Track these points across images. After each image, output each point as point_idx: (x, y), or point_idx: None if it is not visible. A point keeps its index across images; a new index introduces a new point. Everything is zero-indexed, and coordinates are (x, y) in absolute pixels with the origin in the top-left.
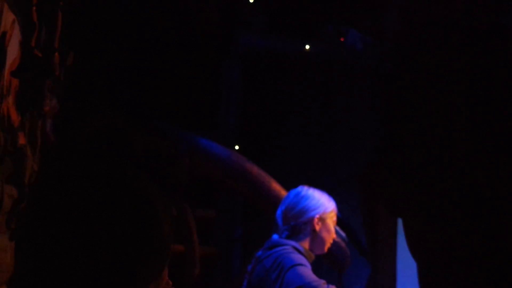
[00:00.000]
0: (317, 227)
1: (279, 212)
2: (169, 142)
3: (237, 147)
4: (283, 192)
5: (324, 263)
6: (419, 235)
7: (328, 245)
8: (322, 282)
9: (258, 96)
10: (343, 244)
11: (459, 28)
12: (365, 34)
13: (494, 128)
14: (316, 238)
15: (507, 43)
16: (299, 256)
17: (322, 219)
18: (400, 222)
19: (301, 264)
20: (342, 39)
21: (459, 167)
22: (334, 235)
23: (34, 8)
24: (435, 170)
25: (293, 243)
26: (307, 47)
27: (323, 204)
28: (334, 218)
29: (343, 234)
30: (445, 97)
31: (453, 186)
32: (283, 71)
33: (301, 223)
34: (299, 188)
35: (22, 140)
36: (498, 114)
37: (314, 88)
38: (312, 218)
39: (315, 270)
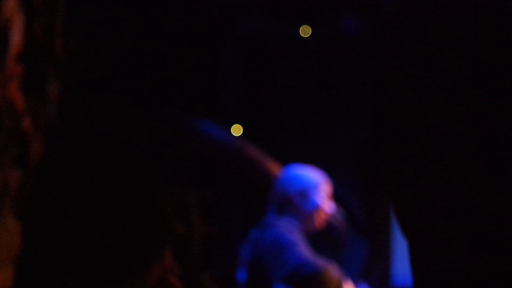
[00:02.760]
0: (310, 205)
1: (272, 191)
2: (171, 126)
3: (239, 128)
4: None
5: (321, 242)
6: (410, 213)
7: (322, 222)
8: (320, 260)
9: (258, 79)
10: (340, 223)
11: (459, 10)
12: (363, 18)
13: (493, 110)
14: (309, 216)
15: (509, 26)
16: (295, 235)
17: (315, 197)
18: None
19: (298, 243)
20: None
21: (453, 148)
22: (328, 213)
23: None
24: (429, 150)
25: (287, 221)
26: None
27: (316, 182)
28: (328, 196)
29: (340, 213)
30: (443, 80)
31: (447, 166)
32: (283, 55)
33: (294, 202)
34: (292, 167)
35: (27, 124)
36: (499, 98)
37: (313, 72)
38: (305, 197)
39: (314, 248)
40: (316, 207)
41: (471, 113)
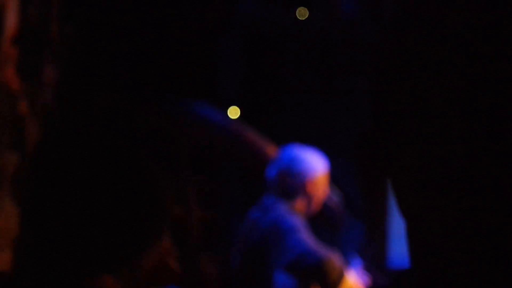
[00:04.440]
0: (310, 189)
1: (271, 173)
2: (168, 109)
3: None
4: None
5: (319, 224)
6: (409, 195)
7: (320, 206)
8: (323, 248)
9: (256, 62)
10: (337, 206)
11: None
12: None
13: (493, 95)
14: (308, 199)
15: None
16: (295, 219)
17: (315, 182)
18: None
19: (300, 228)
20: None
21: (453, 130)
22: (326, 196)
23: None
24: (428, 132)
25: (286, 204)
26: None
27: (315, 165)
28: (327, 180)
29: (337, 195)
30: (443, 66)
31: (447, 147)
32: (282, 39)
33: (294, 186)
34: (291, 149)
35: (23, 108)
36: (499, 83)
37: (313, 56)
38: (304, 180)
39: (313, 233)
40: (323, 195)
41: (468, 94)
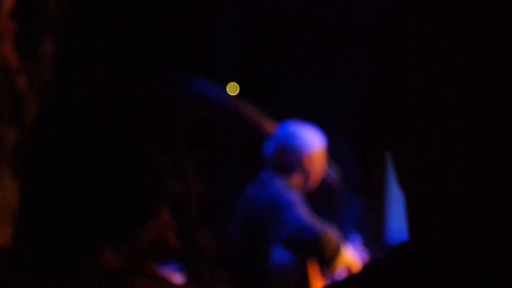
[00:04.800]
0: (307, 165)
1: (269, 149)
2: (166, 85)
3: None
4: None
5: (317, 199)
6: (409, 166)
7: (318, 182)
8: (320, 223)
9: (254, 37)
10: (335, 181)
11: None
12: None
13: (493, 74)
14: (306, 176)
15: None
16: (292, 194)
17: (312, 158)
18: (388, 159)
19: (297, 204)
20: None
21: (454, 100)
22: (324, 172)
23: None
24: (429, 102)
25: (284, 180)
26: None
27: (313, 142)
28: (324, 156)
29: (335, 171)
30: (445, 35)
31: (448, 118)
32: (280, 14)
33: (291, 162)
34: (289, 125)
35: (21, 83)
36: (499, 63)
37: (312, 29)
38: (301, 156)
39: (311, 209)
40: (320, 171)
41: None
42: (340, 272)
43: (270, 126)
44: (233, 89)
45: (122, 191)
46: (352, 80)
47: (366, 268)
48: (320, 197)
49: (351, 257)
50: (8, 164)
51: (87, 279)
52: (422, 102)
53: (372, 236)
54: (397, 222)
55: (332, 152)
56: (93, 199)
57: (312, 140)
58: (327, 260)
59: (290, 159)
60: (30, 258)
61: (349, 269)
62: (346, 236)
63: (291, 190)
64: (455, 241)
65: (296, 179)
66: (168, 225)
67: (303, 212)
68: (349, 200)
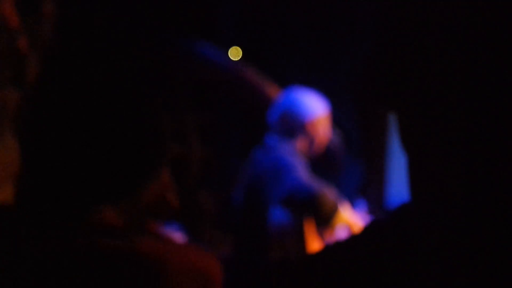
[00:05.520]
0: (310, 130)
1: (273, 114)
2: (169, 48)
3: (238, 51)
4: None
5: (319, 164)
6: (412, 127)
7: (322, 147)
8: (318, 183)
9: (257, 0)
10: (337, 146)
11: None
12: None
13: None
14: (310, 141)
15: None
16: (294, 158)
17: (315, 123)
18: (392, 121)
19: (298, 166)
20: None
21: (459, 59)
22: (328, 137)
23: None
24: (433, 62)
25: (288, 145)
26: None
27: (317, 108)
28: (328, 121)
29: (337, 136)
30: (446, 4)
31: (452, 77)
32: None
33: (295, 127)
34: (292, 91)
35: (22, 43)
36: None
37: None
38: (304, 121)
39: (311, 171)
40: (324, 136)
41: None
42: (340, 233)
43: (273, 91)
44: (235, 53)
45: (123, 150)
46: (356, 42)
47: (366, 228)
48: (322, 162)
49: (349, 217)
50: (9, 124)
51: (88, 236)
52: (426, 62)
53: (374, 201)
54: (398, 188)
55: (334, 117)
56: (94, 157)
57: (315, 106)
58: (324, 218)
59: (293, 124)
60: (31, 215)
61: (349, 230)
62: (350, 201)
63: (294, 155)
64: (456, 201)
65: (300, 144)
66: (168, 185)
67: (303, 174)
68: (351, 165)
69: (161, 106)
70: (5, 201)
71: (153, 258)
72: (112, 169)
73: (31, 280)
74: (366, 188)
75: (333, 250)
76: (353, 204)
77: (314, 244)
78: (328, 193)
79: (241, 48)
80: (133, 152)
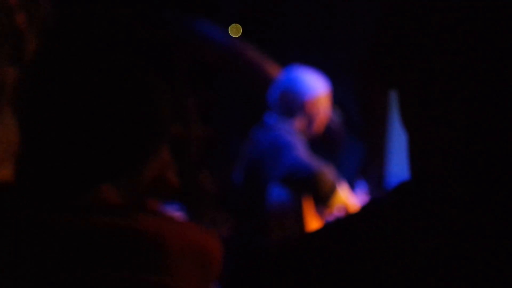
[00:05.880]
0: (311, 110)
1: (273, 93)
2: (169, 26)
3: (238, 29)
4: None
5: (319, 144)
6: (413, 103)
7: (322, 126)
8: (317, 162)
9: None
10: (337, 125)
11: None
12: None
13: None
14: (309, 120)
15: None
16: (294, 138)
17: (315, 102)
18: (393, 98)
19: (297, 145)
20: None
21: (460, 37)
22: (328, 117)
23: None
24: (435, 40)
25: (287, 124)
26: None
27: (317, 86)
28: (328, 101)
29: (337, 115)
30: None
31: (453, 55)
32: None
33: (295, 105)
34: (292, 69)
35: (20, 20)
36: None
37: None
38: (305, 101)
39: (311, 150)
40: (324, 115)
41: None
42: (339, 212)
43: (273, 70)
44: (235, 31)
45: (122, 128)
46: (358, 19)
47: (365, 207)
48: (323, 142)
49: (348, 196)
50: (8, 102)
51: (87, 214)
52: (429, 37)
53: (375, 182)
54: (399, 168)
55: (335, 96)
56: (93, 135)
57: (315, 84)
58: (322, 197)
59: (293, 103)
60: (31, 194)
61: (347, 210)
62: (350, 182)
63: (293, 134)
64: (456, 178)
65: (299, 123)
66: (168, 164)
67: (302, 152)
68: (351, 145)
69: (161, 84)
70: (4, 179)
71: (153, 235)
72: (112, 148)
73: (29, 259)
74: (366, 169)
75: (331, 229)
76: (354, 185)
77: (313, 223)
78: (327, 172)
79: (241, 26)
80: (133, 131)
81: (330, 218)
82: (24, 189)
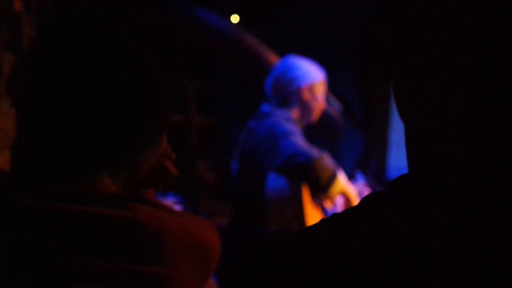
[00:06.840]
0: (306, 97)
1: (268, 82)
2: (168, 13)
3: (237, 18)
4: None
5: (319, 134)
6: (410, 95)
7: (317, 114)
8: (314, 149)
9: None
10: (337, 115)
11: None
12: None
13: None
14: (305, 107)
15: None
16: (291, 125)
17: (310, 89)
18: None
19: (293, 133)
20: None
21: (458, 28)
22: (323, 105)
23: None
24: (430, 31)
25: (283, 112)
26: None
27: (311, 73)
28: (323, 88)
29: (337, 105)
30: None
31: (451, 45)
32: None
33: (290, 93)
34: (288, 58)
35: (17, 7)
36: None
37: None
38: (300, 88)
39: (310, 141)
40: (319, 103)
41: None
42: (338, 205)
43: (272, 58)
44: (234, 19)
45: (120, 117)
46: (356, 9)
47: (364, 200)
48: (322, 132)
49: (347, 185)
50: (5, 89)
51: (85, 204)
52: (424, 29)
53: (375, 173)
54: (399, 160)
55: (335, 86)
56: (91, 124)
57: (310, 72)
58: (322, 185)
59: (288, 90)
60: (28, 182)
61: (347, 202)
62: (350, 173)
63: (290, 122)
64: (454, 170)
65: (295, 111)
66: (167, 154)
67: (299, 140)
68: (351, 136)
69: (160, 72)
70: (2, 167)
71: (150, 226)
72: (110, 136)
73: (27, 247)
74: (367, 160)
75: (330, 222)
76: (353, 177)
77: (313, 213)
78: (326, 160)
79: (240, 15)
80: (131, 119)
81: (331, 208)
82: (22, 177)
